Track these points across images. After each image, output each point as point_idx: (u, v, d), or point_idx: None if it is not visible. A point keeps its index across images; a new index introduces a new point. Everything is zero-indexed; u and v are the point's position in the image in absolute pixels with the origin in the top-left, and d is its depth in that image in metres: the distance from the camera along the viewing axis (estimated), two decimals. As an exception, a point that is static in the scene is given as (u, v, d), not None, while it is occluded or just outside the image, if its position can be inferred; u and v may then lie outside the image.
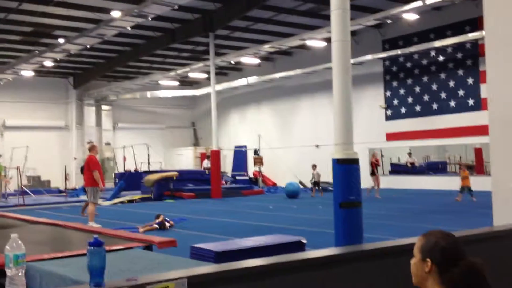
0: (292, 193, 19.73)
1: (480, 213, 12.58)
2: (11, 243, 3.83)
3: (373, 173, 18.50)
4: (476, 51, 19.96)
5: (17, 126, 28.31)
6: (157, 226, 10.82)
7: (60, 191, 25.54)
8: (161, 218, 11.05)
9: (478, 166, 20.61)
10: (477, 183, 19.44)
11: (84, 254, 4.97)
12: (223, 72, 30.91)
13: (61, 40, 20.18)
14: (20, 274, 3.76)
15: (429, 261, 2.22)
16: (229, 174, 28.51)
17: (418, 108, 22.09)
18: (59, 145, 30.27)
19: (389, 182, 23.02)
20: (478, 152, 20.54)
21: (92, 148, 12.20)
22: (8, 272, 3.86)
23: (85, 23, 19.74)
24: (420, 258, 2.26)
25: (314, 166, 20.64)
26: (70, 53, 22.26)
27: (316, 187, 20.54)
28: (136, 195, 20.49)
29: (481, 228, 4.13)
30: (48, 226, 8.91)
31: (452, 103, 20.84)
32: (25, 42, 22.93)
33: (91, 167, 11.53)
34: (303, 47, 24.73)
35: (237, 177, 27.47)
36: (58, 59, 23.30)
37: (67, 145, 30.59)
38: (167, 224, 10.92)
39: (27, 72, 24.89)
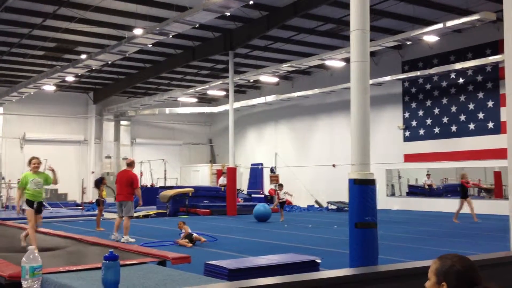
0: (261, 216, 17.33)
1: (498, 237, 12.39)
2: (28, 255, 3.89)
3: (465, 196, 16.36)
4: (496, 74, 19.82)
5: (37, 139, 28.66)
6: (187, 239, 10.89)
7: (77, 205, 25.75)
8: (183, 226, 11.13)
9: (497, 189, 20.33)
10: (496, 207, 19.21)
11: (98, 268, 5.00)
12: (241, 90, 31.09)
13: (83, 56, 20.50)
14: (36, 286, 3.80)
15: (444, 284, 2.20)
16: (245, 192, 28.48)
17: (436, 130, 21.94)
18: (77, 159, 30.58)
19: (406, 203, 22.82)
20: (497, 175, 20.28)
21: (131, 164, 12.26)
22: (24, 284, 3.91)
23: (107, 39, 20.06)
24: (435, 281, 2.24)
25: (280, 186, 18.62)
26: (91, 69, 22.59)
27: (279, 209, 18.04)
28: (152, 210, 20.55)
29: (498, 253, 4.08)
30: (64, 239, 8.99)
31: (472, 126, 20.66)
32: (48, 57, 23.34)
33: (135, 184, 11.75)
34: (322, 66, 24.80)
35: (253, 195, 27.43)
36: (79, 74, 23.66)
37: (85, 159, 30.87)
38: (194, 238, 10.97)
39: (49, 87, 25.28)
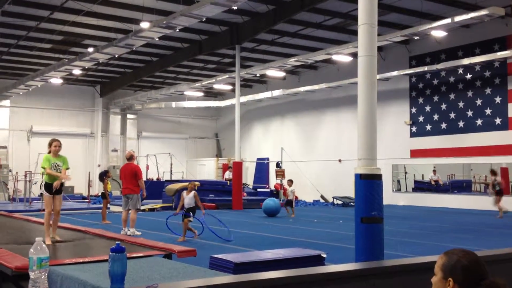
0: (270, 211, 17.21)
1: (505, 233, 12.36)
2: (36, 247, 3.90)
3: None
4: (504, 69, 19.71)
5: (44, 132, 28.77)
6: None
7: (83, 198, 25.85)
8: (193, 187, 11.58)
9: (504, 186, 20.22)
10: (503, 203, 19.12)
11: (104, 260, 5.03)
12: (248, 84, 31.06)
13: (90, 49, 20.53)
14: (43, 276, 3.82)
15: (450, 280, 2.20)
16: (251, 186, 28.51)
17: (443, 125, 21.84)
18: (84, 152, 30.69)
19: (412, 199, 22.77)
20: (504, 171, 20.17)
21: (131, 157, 12.34)
22: (32, 275, 3.93)
23: (114, 33, 20.07)
24: (441, 277, 2.23)
25: (290, 182, 18.11)
26: (98, 62, 22.63)
27: (288, 206, 17.56)
28: (158, 204, 20.63)
29: (504, 249, 4.06)
30: (70, 231, 9.03)
31: (479, 122, 20.56)
32: (55, 50, 23.39)
33: (139, 176, 11.89)
34: (328, 61, 24.73)
35: (259, 189, 27.43)
36: (86, 67, 23.70)
37: (92, 152, 30.99)
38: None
39: (56, 80, 25.34)
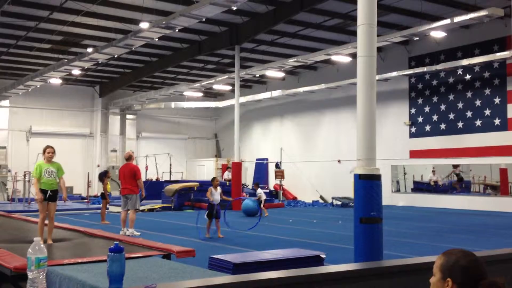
0: (249, 211, 17.36)
1: (504, 234, 12.37)
2: (34, 247, 3.90)
3: None
4: (503, 70, 19.71)
5: (43, 132, 28.74)
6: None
7: (82, 198, 25.84)
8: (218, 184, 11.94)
9: (503, 187, 20.25)
10: (502, 204, 19.15)
11: (103, 261, 5.02)
12: (247, 85, 31.05)
13: (89, 50, 20.52)
14: (41, 277, 3.82)
15: (449, 280, 2.19)
16: (250, 187, 28.51)
17: (443, 126, 21.85)
18: (83, 152, 30.67)
19: (411, 200, 22.77)
20: (503, 172, 20.19)
21: (130, 157, 12.34)
22: (30, 275, 3.92)
23: (113, 33, 20.06)
24: (440, 277, 2.23)
25: (256, 185, 18.69)
26: (98, 62, 22.61)
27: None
28: (157, 204, 20.61)
29: (503, 249, 4.06)
30: (69, 231, 9.03)
31: (478, 122, 20.56)
32: (55, 50, 23.37)
33: (138, 176, 11.90)
34: (328, 62, 24.72)
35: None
36: (86, 68, 23.69)
37: (91, 152, 30.96)
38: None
39: (55, 80, 25.31)
